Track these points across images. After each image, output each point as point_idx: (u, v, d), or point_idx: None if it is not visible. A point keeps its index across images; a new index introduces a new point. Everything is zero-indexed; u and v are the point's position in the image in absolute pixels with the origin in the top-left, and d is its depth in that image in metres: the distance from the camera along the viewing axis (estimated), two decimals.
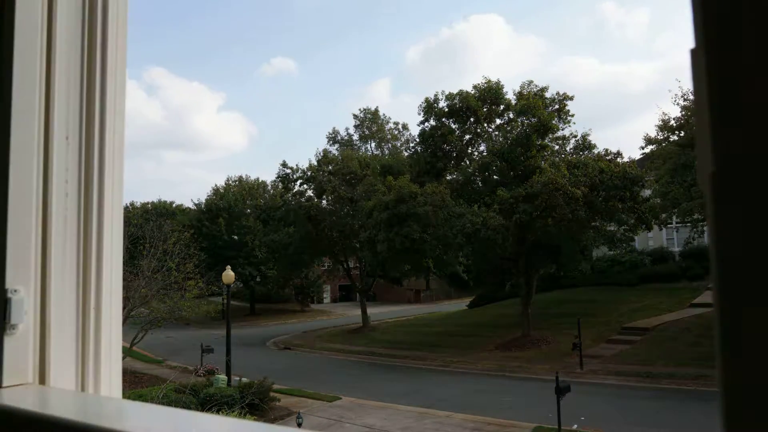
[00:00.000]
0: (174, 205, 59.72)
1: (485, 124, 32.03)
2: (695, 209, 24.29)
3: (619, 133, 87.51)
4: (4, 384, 1.11)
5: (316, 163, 40.21)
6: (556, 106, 29.71)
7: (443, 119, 32.41)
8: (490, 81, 31.66)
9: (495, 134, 31.81)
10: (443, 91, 36.13)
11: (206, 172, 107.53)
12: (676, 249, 36.83)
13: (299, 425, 15.09)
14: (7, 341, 1.12)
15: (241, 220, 47.93)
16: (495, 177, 29.11)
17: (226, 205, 48.86)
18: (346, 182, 37.96)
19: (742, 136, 0.43)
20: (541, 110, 28.58)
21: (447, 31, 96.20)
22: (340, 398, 20.24)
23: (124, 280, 16.65)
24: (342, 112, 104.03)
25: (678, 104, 26.96)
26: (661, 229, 34.66)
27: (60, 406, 1.11)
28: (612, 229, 28.44)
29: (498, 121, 32.27)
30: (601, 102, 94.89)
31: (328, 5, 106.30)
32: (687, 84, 25.24)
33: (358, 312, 40.55)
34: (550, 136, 29.60)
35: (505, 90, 31.55)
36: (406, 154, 43.05)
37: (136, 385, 21.10)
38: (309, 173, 39.82)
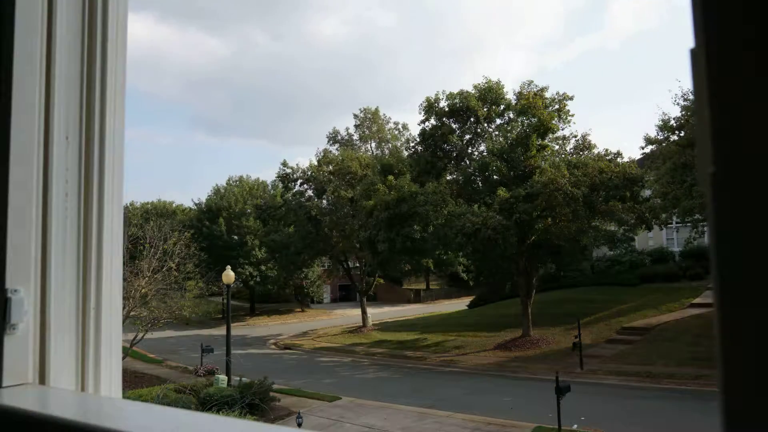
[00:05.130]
0: (174, 205, 59.73)
1: (485, 124, 32.04)
2: (695, 209, 24.28)
3: None
4: (4, 384, 1.11)
5: (316, 163, 40.26)
6: (556, 106, 29.70)
7: (443, 119, 32.42)
8: (490, 81, 31.67)
9: (495, 134, 31.81)
10: (443, 90, 36.14)
11: None
12: (676, 249, 36.83)
13: (299, 425, 15.09)
14: (7, 341, 1.12)
15: (241, 220, 47.94)
16: (495, 177, 29.08)
17: (226, 204, 48.87)
18: (346, 182, 37.97)
19: (742, 137, 0.43)
20: (541, 110, 28.55)
21: None
22: (340, 398, 20.24)
23: (124, 280, 16.65)
24: None
25: (678, 104, 26.96)
26: (661, 229, 34.66)
27: (60, 406, 1.11)
28: (612, 229, 28.44)
29: (498, 121, 32.28)
30: None
31: None
32: (687, 84, 25.25)
33: (358, 312, 40.55)
34: (550, 136, 29.58)
35: (505, 90, 31.60)
36: (407, 153, 43.06)
37: (136, 385, 21.09)
38: (309, 173, 39.86)
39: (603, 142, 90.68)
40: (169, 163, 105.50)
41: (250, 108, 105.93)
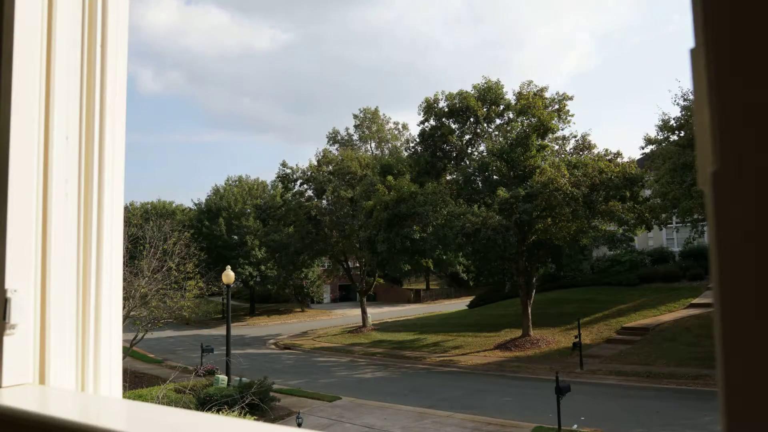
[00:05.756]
0: (174, 205, 59.75)
1: (485, 124, 32.04)
2: (695, 209, 24.27)
3: None
4: (4, 384, 1.11)
5: (316, 163, 40.28)
6: (556, 106, 29.70)
7: (443, 119, 32.42)
8: (489, 81, 31.67)
9: (495, 134, 31.81)
10: (443, 90, 36.15)
11: None
12: (676, 249, 36.83)
13: (299, 425, 15.09)
14: (7, 341, 1.12)
15: (240, 220, 47.95)
16: (495, 177, 29.10)
17: (225, 205, 48.88)
18: (346, 182, 37.98)
19: (743, 136, 0.43)
20: (541, 110, 28.57)
21: None
22: (340, 398, 20.24)
23: (124, 280, 16.64)
24: None
25: (678, 104, 26.97)
26: (661, 229, 34.66)
27: (60, 406, 1.11)
28: (612, 229, 28.45)
29: (498, 121, 32.28)
30: None
31: None
32: (687, 84, 25.24)
33: (358, 312, 40.55)
34: (550, 136, 29.59)
35: (505, 90, 31.60)
36: (406, 154, 43.07)
37: (136, 385, 21.10)
38: (309, 173, 39.87)
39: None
40: (182, 161, 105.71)
41: (272, 102, 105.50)
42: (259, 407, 17.07)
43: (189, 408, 13.64)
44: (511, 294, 33.76)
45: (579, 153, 29.62)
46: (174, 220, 35.62)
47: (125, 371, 20.01)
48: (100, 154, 1.27)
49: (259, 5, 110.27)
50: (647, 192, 27.67)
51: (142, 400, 10.94)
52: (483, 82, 31.68)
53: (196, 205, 53.59)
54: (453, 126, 32.43)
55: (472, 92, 31.51)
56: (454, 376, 24.47)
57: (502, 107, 31.49)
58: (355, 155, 42.52)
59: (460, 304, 46.56)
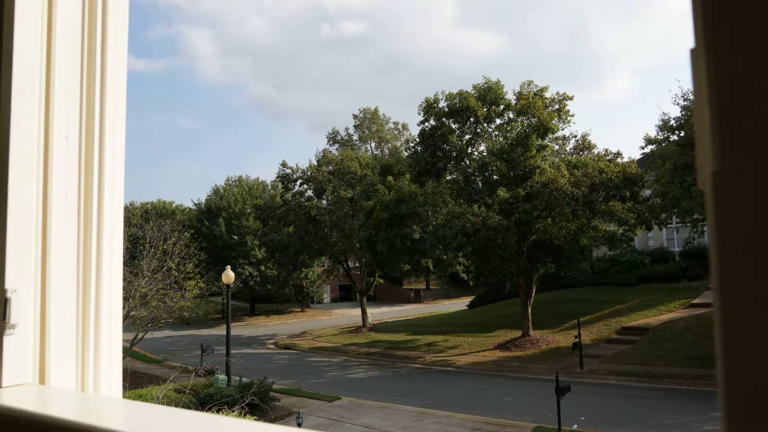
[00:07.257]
0: (174, 205, 59.71)
1: (485, 124, 32.01)
2: (695, 209, 24.27)
3: None
4: (4, 384, 1.11)
5: (315, 163, 40.28)
6: (556, 106, 29.69)
7: (443, 119, 32.39)
8: (489, 81, 31.63)
9: (495, 134, 31.80)
10: (443, 90, 36.09)
11: None
12: (676, 249, 36.83)
13: (299, 425, 15.10)
14: (7, 341, 1.12)
15: (240, 220, 47.96)
16: (495, 177, 29.08)
17: (225, 204, 48.88)
18: (345, 182, 37.99)
19: (742, 136, 0.43)
20: (541, 110, 28.56)
21: None
22: (340, 398, 20.24)
23: (124, 280, 16.63)
24: None
25: (678, 104, 26.98)
26: (661, 229, 34.66)
27: (60, 406, 1.11)
28: (612, 229, 28.45)
29: (498, 121, 32.26)
30: None
31: None
32: (687, 84, 25.24)
33: (358, 312, 40.55)
34: (550, 136, 29.58)
35: (505, 90, 31.57)
36: (406, 154, 43.05)
37: (136, 385, 21.09)
38: (309, 173, 39.87)
39: None
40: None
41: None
42: (259, 407, 17.07)
43: (189, 408, 13.62)
44: (511, 294, 33.75)
45: (579, 153, 29.62)
46: (174, 220, 35.61)
47: (125, 371, 19.99)
48: (100, 154, 1.27)
49: None
50: (647, 192, 27.68)
51: (142, 400, 10.92)
52: (483, 82, 31.66)
53: (195, 205, 53.60)
54: (453, 126, 32.40)
55: (472, 92, 31.49)
56: (454, 375, 24.47)
57: (502, 107, 31.46)
58: (355, 155, 42.52)
59: (460, 304, 46.56)
